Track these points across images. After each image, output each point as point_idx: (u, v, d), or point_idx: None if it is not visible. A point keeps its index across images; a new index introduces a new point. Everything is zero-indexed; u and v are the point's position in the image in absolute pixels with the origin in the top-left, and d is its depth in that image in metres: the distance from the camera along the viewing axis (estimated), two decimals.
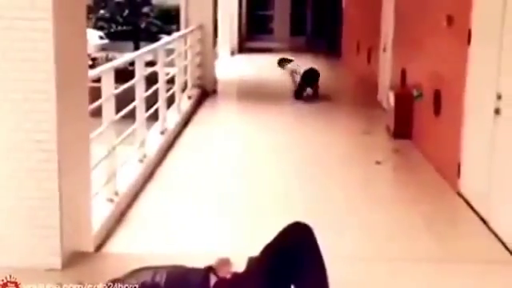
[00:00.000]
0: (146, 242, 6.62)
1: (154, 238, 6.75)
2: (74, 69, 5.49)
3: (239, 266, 4.26)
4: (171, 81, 12.29)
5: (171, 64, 12.61)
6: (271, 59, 24.62)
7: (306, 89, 16.02)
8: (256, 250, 4.28)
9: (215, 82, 17.08)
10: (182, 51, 13.75)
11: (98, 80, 7.23)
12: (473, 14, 8.00)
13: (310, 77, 16.15)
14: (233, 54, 25.76)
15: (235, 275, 4.15)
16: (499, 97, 6.99)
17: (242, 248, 5.89)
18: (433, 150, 9.82)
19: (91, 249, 5.83)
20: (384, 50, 14.59)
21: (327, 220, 7.19)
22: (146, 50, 10.41)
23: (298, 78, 16.21)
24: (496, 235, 6.92)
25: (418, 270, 5.59)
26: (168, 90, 11.44)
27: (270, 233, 4.32)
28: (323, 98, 15.88)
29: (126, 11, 34.82)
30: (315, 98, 15.87)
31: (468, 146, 8.13)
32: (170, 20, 34.28)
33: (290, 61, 17.00)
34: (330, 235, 6.19)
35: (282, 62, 17.19)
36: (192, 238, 6.86)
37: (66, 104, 5.17)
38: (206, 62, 16.17)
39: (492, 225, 7.12)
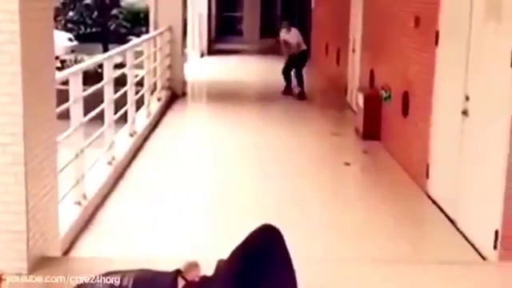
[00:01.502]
0: (115, 246, 6.58)
1: (123, 242, 6.72)
2: (41, 71, 5.43)
3: (209, 269, 4.24)
4: (140, 83, 12.23)
5: (140, 66, 12.56)
6: (241, 60, 24.77)
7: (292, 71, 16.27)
8: (226, 253, 4.27)
9: (185, 83, 17.05)
10: (151, 53, 13.71)
11: (67, 82, 7.18)
12: (440, 15, 8.04)
13: (302, 59, 16.39)
14: (202, 55, 25.73)
15: (204, 278, 4.13)
16: (467, 98, 7.03)
17: (211, 251, 5.88)
18: (401, 151, 9.86)
19: (58, 253, 5.78)
20: (353, 51, 14.63)
21: (297, 221, 7.21)
22: (115, 52, 10.36)
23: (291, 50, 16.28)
24: (464, 236, 6.96)
25: (388, 270, 5.61)
26: (137, 92, 11.40)
27: (239, 235, 4.31)
28: (292, 99, 15.95)
29: (95, 13, 34.61)
30: (303, 97, 16.07)
31: (436, 147, 8.17)
32: (139, 22, 34.13)
33: (291, 23, 16.76)
34: (300, 236, 6.22)
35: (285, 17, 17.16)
36: (161, 241, 6.83)
37: (32, 107, 5.12)
38: (175, 64, 16.11)
39: (460, 225, 7.16)
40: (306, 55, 16.69)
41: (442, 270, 5.64)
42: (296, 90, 16.35)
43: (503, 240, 6.08)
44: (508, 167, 5.94)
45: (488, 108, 6.55)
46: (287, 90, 16.50)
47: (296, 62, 16.32)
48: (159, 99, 14.11)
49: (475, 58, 6.93)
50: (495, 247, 6.19)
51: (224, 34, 33.01)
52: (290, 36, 16.28)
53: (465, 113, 7.07)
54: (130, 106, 10.55)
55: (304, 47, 16.47)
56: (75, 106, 7.18)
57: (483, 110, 6.68)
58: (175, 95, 15.78)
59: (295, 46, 16.21)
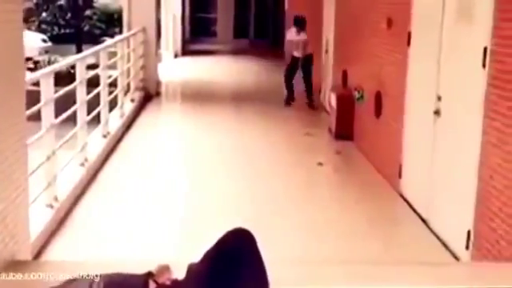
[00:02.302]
0: (86, 249, 6.52)
1: (94, 245, 6.66)
2: (11, 73, 5.37)
3: (180, 272, 4.21)
4: (114, 84, 12.17)
5: (114, 67, 12.50)
6: (214, 61, 24.74)
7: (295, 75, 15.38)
8: (198, 255, 4.25)
9: (158, 84, 17.02)
10: (125, 54, 13.65)
11: (39, 83, 7.12)
12: (412, 16, 8.07)
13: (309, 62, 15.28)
14: (176, 56, 25.68)
15: (175, 282, 4.10)
16: (439, 98, 7.06)
17: (183, 253, 5.85)
18: (374, 151, 9.89)
19: (29, 257, 5.71)
20: (326, 51, 14.65)
21: (270, 221, 7.21)
22: (88, 52, 10.30)
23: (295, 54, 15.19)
24: (436, 236, 6.98)
25: (359, 271, 5.60)
26: (110, 93, 11.34)
27: (212, 237, 4.28)
28: (265, 100, 15.91)
29: (69, 14, 34.45)
30: (312, 106, 15.17)
31: (409, 147, 8.20)
32: (113, 23, 34.00)
33: (304, 22, 15.29)
34: (273, 236, 6.21)
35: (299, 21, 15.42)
36: (132, 243, 6.79)
37: (1, 109, 5.06)
38: (149, 65, 16.08)
39: (432, 226, 7.19)
40: (312, 59, 15.35)
41: (415, 271, 5.64)
42: (305, 100, 15.22)
43: (475, 240, 6.10)
44: (480, 167, 5.97)
45: (460, 108, 6.58)
46: (290, 99, 15.51)
47: (303, 67, 15.22)
48: (133, 100, 14.06)
49: (447, 58, 6.96)
50: (467, 247, 6.22)
51: (198, 34, 32.96)
52: (300, 37, 15.16)
53: (437, 113, 7.10)
54: (103, 107, 10.49)
55: (310, 51, 15.23)
56: (46, 108, 7.12)
57: (455, 110, 6.71)
58: (149, 96, 15.74)
59: (302, 47, 15.09)
